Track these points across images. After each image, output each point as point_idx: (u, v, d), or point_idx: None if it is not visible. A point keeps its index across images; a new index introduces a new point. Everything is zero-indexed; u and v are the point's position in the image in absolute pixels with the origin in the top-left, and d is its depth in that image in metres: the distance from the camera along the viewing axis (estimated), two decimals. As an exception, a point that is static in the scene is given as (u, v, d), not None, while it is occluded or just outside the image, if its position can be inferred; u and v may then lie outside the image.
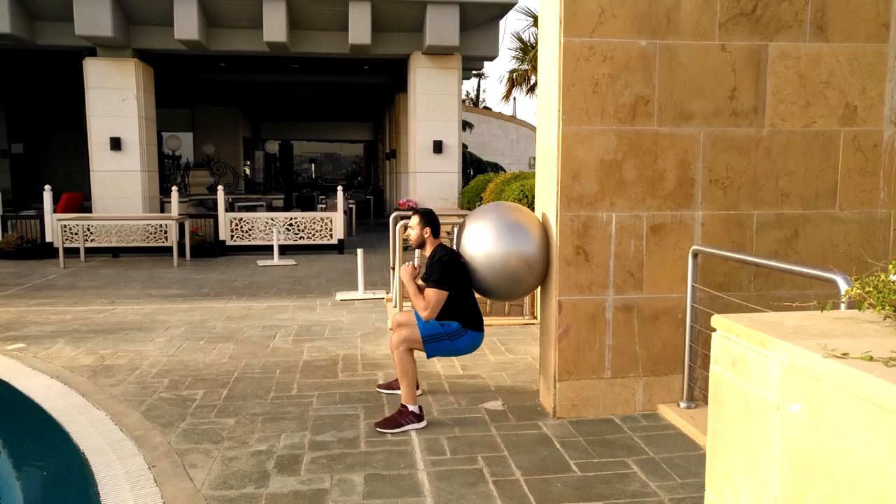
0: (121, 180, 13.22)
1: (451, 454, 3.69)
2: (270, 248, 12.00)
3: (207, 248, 12.37)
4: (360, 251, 8.63)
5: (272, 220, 12.67)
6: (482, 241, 4.17)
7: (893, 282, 1.79)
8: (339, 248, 12.84)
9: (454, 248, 4.34)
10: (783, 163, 4.25)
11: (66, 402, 4.50)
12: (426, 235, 4.30)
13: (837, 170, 4.29)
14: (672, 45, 4.09)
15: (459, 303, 4.17)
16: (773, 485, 1.69)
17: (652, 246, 4.20)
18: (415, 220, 4.33)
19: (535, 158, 5.46)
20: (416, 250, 4.68)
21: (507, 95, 29.63)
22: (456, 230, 4.47)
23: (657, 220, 4.19)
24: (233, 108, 23.22)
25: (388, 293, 8.31)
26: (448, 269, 4.12)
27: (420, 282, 4.32)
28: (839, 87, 4.24)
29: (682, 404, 4.23)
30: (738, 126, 4.19)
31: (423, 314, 4.10)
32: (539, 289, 4.54)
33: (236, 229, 12.61)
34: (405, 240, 4.41)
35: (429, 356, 4.23)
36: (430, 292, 4.08)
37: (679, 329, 4.24)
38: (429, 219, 4.33)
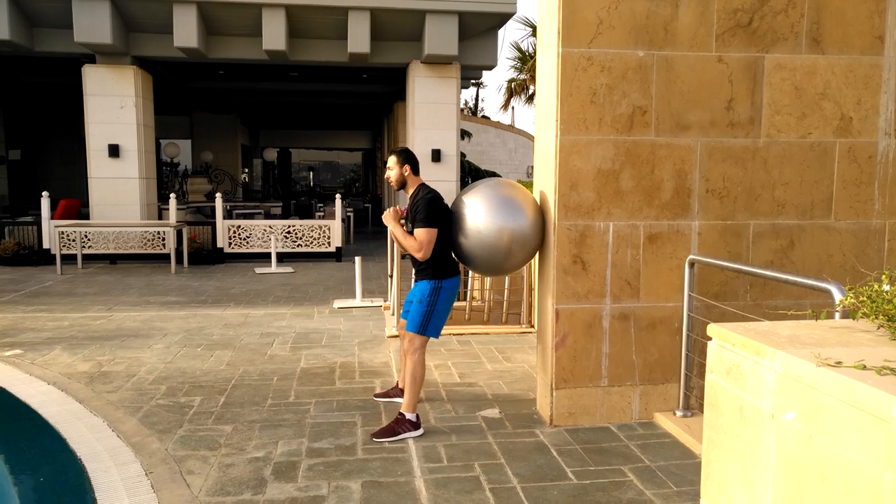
0: (119, 187, 13.21)
1: (448, 461, 3.70)
2: (268, 255, 12.01)
3: (205, 255, 12.37)
4: (357, 259, 8.64)
5: (270, 227, 12.67)
6: (476, 214, 4.14)
7: (887, 292, 1.81)
8: (337, 255, 12.85)
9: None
10: (779, 173, 4.28)
11: (64, 409, 4.50)
12: (406, 174, 4.21)
13: (833, 180, 4.32)
14: (669, 56, 4.12)
15: (436, 248, 4.09)
16: (767, 492, 1.70)
17: (649, 255, 4.23)
18: (392, 160, 4.22)
19: (533, 167, 5.48)
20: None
21: (506, 105, 29.70)
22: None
23: (654, 230, 4.22)
24: (231, 116, 23.24)
25: (385, 301, 8.31)
26: (434, 206, 4.07)
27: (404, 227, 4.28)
28: (834, 99, 4.28)
29: (678, 413, 4.24)
30: (734, 136, 4.23)
31: (418, 255, 4.05)
32: (536, 297, 4.56)
33: (234, 237, 12.61)
34: (387, 180, 4.31)
35: (437, 336, 4.21)
36: (421, 232, 4.03)
37: (675, 338, 4.26)
38: (406, 156, 4.23)
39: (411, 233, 4.11)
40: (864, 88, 4.28)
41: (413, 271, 4.26)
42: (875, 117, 4.31)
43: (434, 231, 4.04)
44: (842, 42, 4.23)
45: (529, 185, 9.12)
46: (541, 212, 4.30)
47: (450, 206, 4.29)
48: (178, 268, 11.51)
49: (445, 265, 4.16)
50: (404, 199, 4.38)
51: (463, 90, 18.69)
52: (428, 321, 4.12)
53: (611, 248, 4.19)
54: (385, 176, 4.34)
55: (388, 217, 4.23)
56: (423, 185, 4.22)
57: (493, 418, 4.39)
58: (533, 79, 25.81)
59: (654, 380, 4.31)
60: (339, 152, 37.26)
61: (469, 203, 4.19)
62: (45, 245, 12.13)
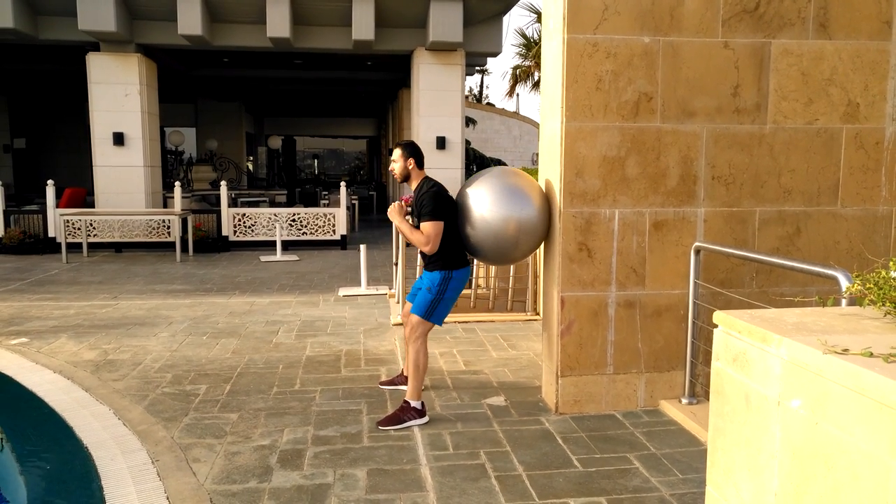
0: (123, 175, 13.22)
1: (453, 449, 3.71)
2: (273, 243, 12.02)
3: (210, 243, 12.39)
4: (362, 247, 8.64)
5: (275, 215, 12.68)
6: (482, 203, 4.12)
7: (894, 278, 1.80)
8: (342, 243, 12.86)
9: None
10: (785, 160, 4.25)
11: (70, 397, 4.52)
12: (410, 167, 4.22)
13: (839, 167, 4.30)
14: (675, 41, 4.09)
15: (444, 240, 4.09)
16: (773, 479, 1.70)
17: (654, 242, 4.21)
18: (397, 153, 4.23)
19: (538, 155, 5.45)
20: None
21: (511, 91, 29.62)
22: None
23: (660, 217, 4.20)
24: (236, 104, 23.20)
25: (390, 289, 8.32)
26: (439, 199, 4.07)
27: (409, 221, 4.29)
28: (841, 85, 4.24)
29: (684, 400, 4.24)
30: (740, 123, 4.20)
31: (426, 248, 4.06)
32: (542, 285, 4.54)
33: (239, 225, 12.62)
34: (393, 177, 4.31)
35: (441, 324, 4.21)
36: (427, 225, 4.03)
37: (681, 325, 4.25)
38: (412, 150, 4.25)
39: (417, 227, 4.11)
40: (871, 74, 4.24)
41: (422, 262, 4.25)
42: (882, 103, 4.27)
43: (440, 224, 4.03)
44: (849, 27, 4.19)
45: (535, 173, 9.09)
46: (547, 199, 4.28)
47: (455, 196, 4.29)
48: (183, 256, 11.53)
49: (455, 256, 4.16)
50: (408, 186, 4.38)
51: (468, 77, 18.61)
52: (434, 308, 4.12)
53: (616, 235, 4.17)
54: (390, 168, 4.36)
55: (393, 212, 4.24)
56: (427, 179, 4.22)
57: (498, 406, 4.39)
58: (538, 66, 25.71)
59: (659, 367, 4.31)
60: (343, 140, 37.18)
61: (475, 193, 4.17)
62: (51, 233, 12.16)
